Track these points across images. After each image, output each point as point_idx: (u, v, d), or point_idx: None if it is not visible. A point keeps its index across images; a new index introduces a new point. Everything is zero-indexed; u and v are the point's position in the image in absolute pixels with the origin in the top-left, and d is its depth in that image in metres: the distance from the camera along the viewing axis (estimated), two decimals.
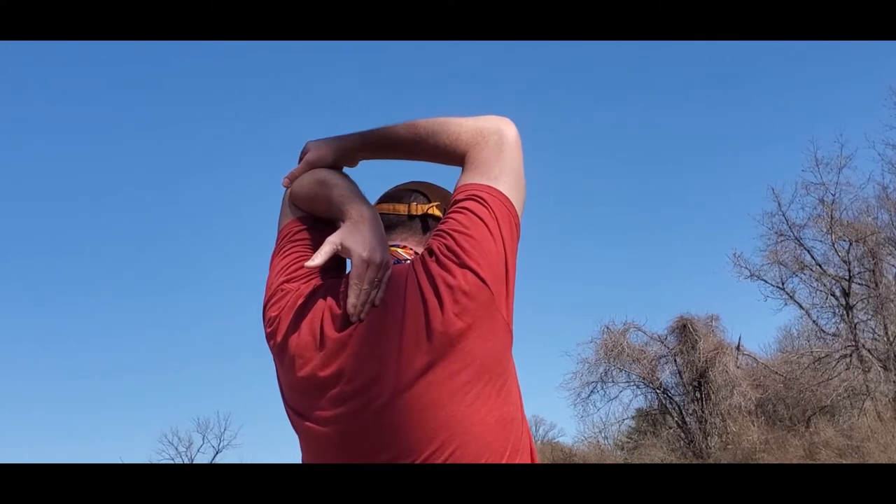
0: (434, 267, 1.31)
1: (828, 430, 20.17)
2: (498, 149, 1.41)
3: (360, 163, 1.57)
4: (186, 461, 32.50)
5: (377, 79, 43.35)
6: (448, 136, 1.44)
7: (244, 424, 44.43)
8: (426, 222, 1.55)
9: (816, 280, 23.27)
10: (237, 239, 44.98)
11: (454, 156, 1.45)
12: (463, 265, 1.30)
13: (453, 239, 1.33)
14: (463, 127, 1.45)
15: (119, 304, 44.19)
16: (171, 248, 45.07)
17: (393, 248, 1.48)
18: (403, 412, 1.27)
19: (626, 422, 27.30)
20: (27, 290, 43.89)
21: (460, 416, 1.26)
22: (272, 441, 43.07)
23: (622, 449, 26.70)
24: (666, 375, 26.25)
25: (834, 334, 22.94)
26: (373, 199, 1.57)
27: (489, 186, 1.37)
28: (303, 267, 1.41)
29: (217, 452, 33.39)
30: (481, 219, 1.33)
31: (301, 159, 1.53)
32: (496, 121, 1.45)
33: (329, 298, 1.37)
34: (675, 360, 25.61)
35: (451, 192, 1.46)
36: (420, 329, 1.28)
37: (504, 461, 1.27)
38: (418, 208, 1.56)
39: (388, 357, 1.29)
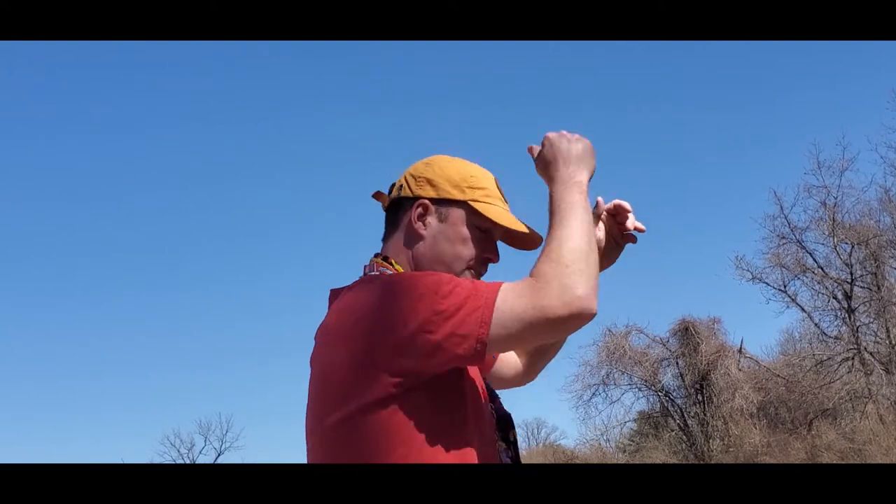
0: (344, 297, 1.38)
1: (830, 433, 20.13)
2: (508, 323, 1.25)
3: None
4: (188, 463, 32.47)
5: (376, 79, 43.35)
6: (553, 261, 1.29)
7: (246, 426, 44.53)
8: (397, 215, 1.50)
9: (818, 283, 23.22)
10: (242, 243, 45.01)
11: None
12: (370, 299, 1.31)
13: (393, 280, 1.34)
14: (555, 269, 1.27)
15: (121, 306, 44.26)
16: (176, 250, 45.12)
17: (377, 260, 1.49)
18: (313, 445, 1.36)
19: (627, 424, 27.28)
20: (32, 291, 43.99)
21: (326, 437, 1.31)
22: (274, 443, 43.11)
23: (624, 451, 26.66)
24: (668, 378, 26.22)
25: (836, 337, 22.88)
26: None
27: (501, 287, 1.27)
28: None
29: (219, 454, 33.42)
30: (436, 295, 1.25)
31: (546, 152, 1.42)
32: (550, 300, 1.25)
33: None
34: (677, 363, 25.56)
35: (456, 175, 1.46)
36: (316, 366, 1.37)
37: None
38: (388, 199, 1.54)
39: (311, 384, 1.39)
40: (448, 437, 1.29)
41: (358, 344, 1.27)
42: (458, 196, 1.45)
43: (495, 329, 1.23)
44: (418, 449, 1.26)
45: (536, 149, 1.45)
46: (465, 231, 1.45)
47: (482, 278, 1.48)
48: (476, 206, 1.45)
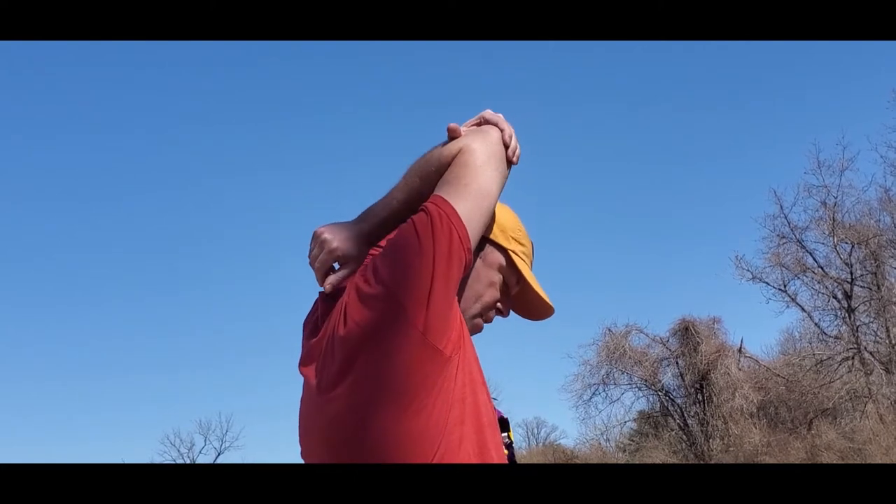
0: (358, 278, 1.33)
1: (829, 432, 20.13)
2: (463, 163, 1.34)
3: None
4: (188, 462, 32.48)
5: (377, 79, 43.36)
6: (438, 169, 1.37)
7: (246, 426, 44.52)
8: None
9: (818, 282, 23.22)
10: (242, 243, 45.01)
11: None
12: (377, 275, 1.28)
13: (381, 250, 1.34)
14: (444, 154, 1.38)
15: (121, 306, 44.26)
16: (176, 250, 45.11)
17: None
18: (318, 428, 1.32)
19: (627, 424, 27.28)
20: (32, 291, 43.98)
21: (363, 436, 1.25)
22: (275, 443, 43.08)
23: (624, 451, 26.66)
24: (668, 378, 26.22)
25: (836, 337, 22.88)
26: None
27: (440, 197, 1.31)
28: None
29: (219, 454, 33.44)
30: (416, 230, 1.28)
31: (316, 245, 1.43)
32: (473, 135, 1.39)
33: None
34: (677, 363, 25.56)
35: None
36: (330, 338, 1.30)
37: None
38: None
39: (315, 371, 1.33)
40: (474, 433, 1.29)
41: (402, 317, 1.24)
42: (502, 242, 1.46)
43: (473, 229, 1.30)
44: (446, 445, 1.25)
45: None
46: (496, 276, 1.47)
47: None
48: (514, 258, 1.47)
